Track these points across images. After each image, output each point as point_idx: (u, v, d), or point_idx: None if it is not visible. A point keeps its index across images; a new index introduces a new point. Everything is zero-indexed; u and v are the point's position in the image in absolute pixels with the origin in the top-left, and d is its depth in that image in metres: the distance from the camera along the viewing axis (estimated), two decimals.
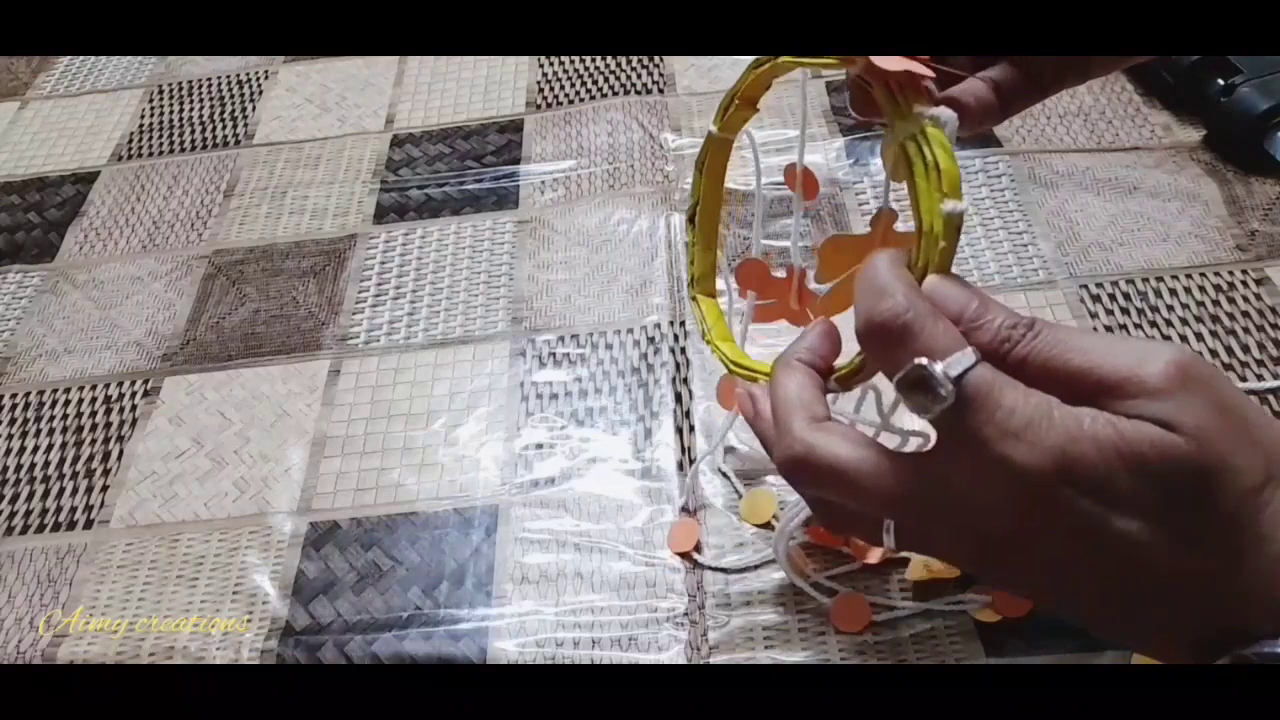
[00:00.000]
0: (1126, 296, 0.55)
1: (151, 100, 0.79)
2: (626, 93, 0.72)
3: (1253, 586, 0.27)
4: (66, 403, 0.59)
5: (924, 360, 0.27)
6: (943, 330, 0.28)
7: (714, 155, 0.43)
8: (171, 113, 0.77)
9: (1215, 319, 0.54)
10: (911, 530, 0.30)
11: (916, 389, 0.27)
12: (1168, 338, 0.53)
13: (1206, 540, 0.26)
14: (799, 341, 0.34)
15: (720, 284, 0.45)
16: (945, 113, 0.30)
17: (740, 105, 0.40)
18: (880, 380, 0.32)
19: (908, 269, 0.30)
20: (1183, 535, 0.26)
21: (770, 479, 0.49)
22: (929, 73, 0.31)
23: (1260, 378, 0.51)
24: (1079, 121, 0.65)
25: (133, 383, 0.59)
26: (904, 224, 0.39)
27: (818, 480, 0.31)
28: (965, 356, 0.27)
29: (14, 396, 0.59)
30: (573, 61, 0.75)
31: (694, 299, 0.44)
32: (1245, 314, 0.54)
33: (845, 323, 0.33)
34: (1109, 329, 0.54)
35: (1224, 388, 0.27)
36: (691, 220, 0.44)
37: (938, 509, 0.29)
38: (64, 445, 0.56)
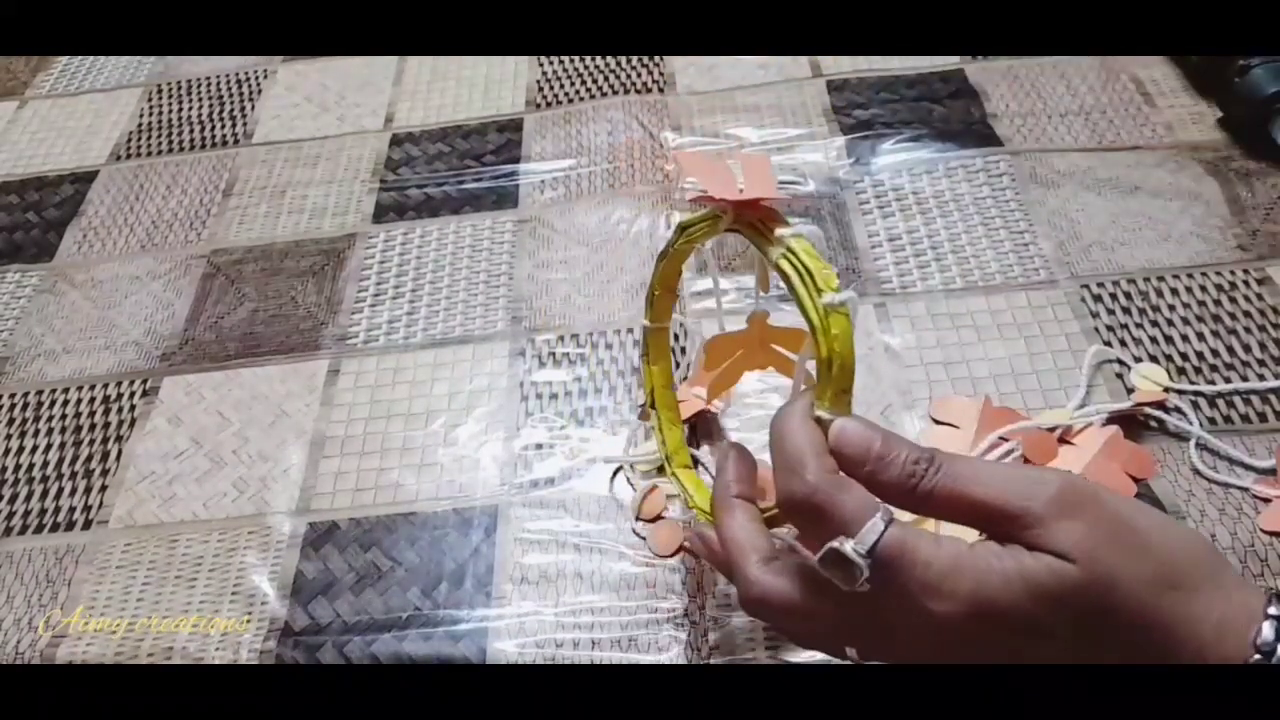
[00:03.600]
0: (1128, 296, 0.55)
1: (150, 100, 0.79)
2: (626, 92, 0.72)
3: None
4: (65, 403, 0.58)
5: (836, 543, 0.30)
6: (850, 501, 0.30)
7: (655, 343, 0.47)
8: (170, 112, 0.77)
9: (1216, 319, 0.53)
10: (869, 649, 0.33)
11: (836, 566, 0.30)
12: (1169, 338, 0.53)
13: (1116, 647, 0.29)
14: (722, 475, 0.37)
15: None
16: (806, 228, 0.34)
17: (662, 294, 0.45)
18: None
19: (813, 413, 0.32)
20: (1093, 646, 0.29)
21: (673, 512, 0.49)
22: (779, 196, 0.36)
23: (1261, 377, 0.51)
24: (1080, 120, 0.65)
25: (131, 383, 0.59)
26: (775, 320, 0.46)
27: (778, 619, 0.34)
28: (874, 527, 0.30)
29: (12, 396, 0.59)
30: (573, 61, 0.75)
31: (674, 474, 0.47)
32: (1247, 313, 0.54)
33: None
34: (1110, 329, 0.54)
35: (1110, 506, 0.30)
36: (652, 406, 0.48)
37: (885, 638, 0.32)
38: (63, 445, 0.56)
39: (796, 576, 0.33)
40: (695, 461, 0.50)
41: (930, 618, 0.29)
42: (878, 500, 0.31)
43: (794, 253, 0.33)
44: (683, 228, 0.40)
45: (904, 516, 0.32)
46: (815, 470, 0.31)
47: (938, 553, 0.30)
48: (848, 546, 0.29)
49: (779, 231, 0.34)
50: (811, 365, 0.34)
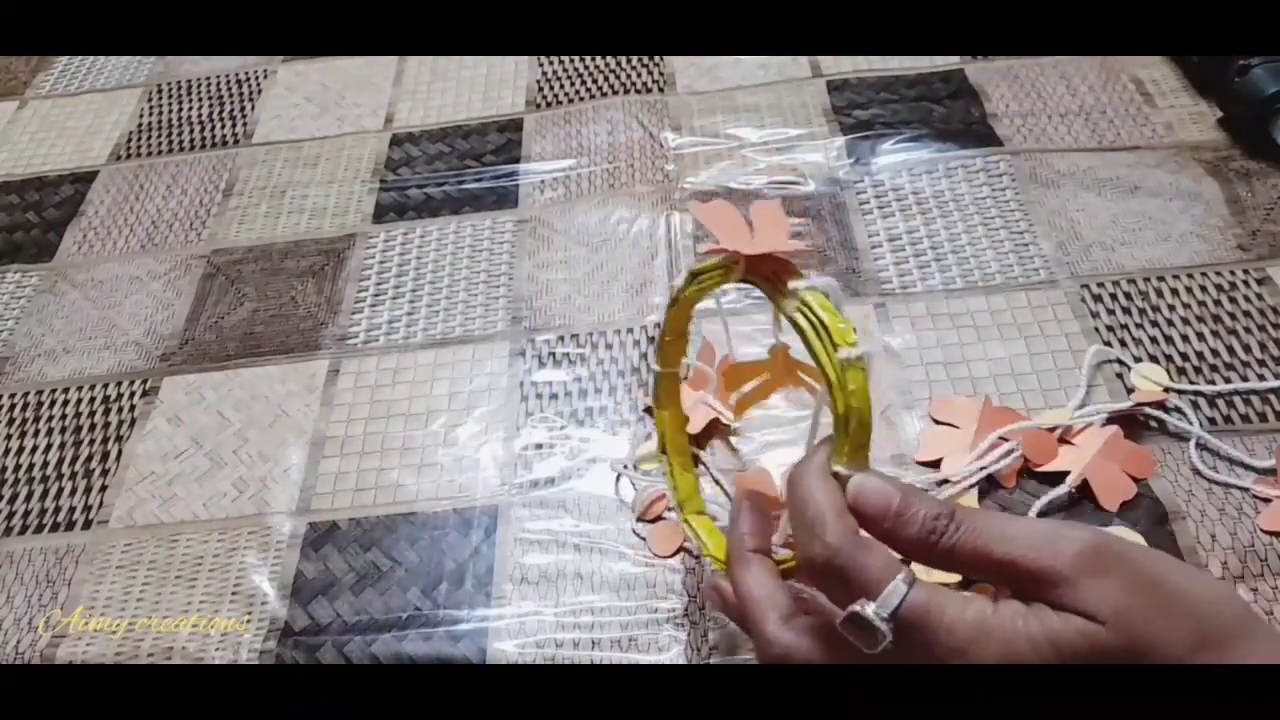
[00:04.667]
0: (1128, 296, 0.55)
1: (150, 100, 0.79)
2: (626, 92, 0.72)
3: None
4: (65, 403, 0.58)
5: (858, 606, 0.29)
6: (873, 563, 0.30)
7: (665, 389, 0.45)
8: (170, 112, 0.77)
9: (1216, 319, 0.53)
10: None
11: (858, 628, 0.30)
12: (1169, 338, 0.53)
13: None
14: (736, 528, 0.36)
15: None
16: (821, 280, 0.33)
17: (673, 340, 0.43)
18: None
19: (832, 470, 0.32)
20: None
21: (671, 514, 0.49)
22: (797, 247, 0.34)
23: (1261, 377, 0.51)
24: (1080, 121, 0.65)
25: (131, 383, 0.59)
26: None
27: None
28: (896, 590, 0.29)
29: (13, 396, 0.59)
30: (573, 61, 0.75)
31: (686, 521, 0.46)
32: (1246, 313, 0.53)
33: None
34: (1110, 329, 0.54)
35: (1138, 564, 0.29)
36: (663, 451, 0.46)
37: None
38: (63, 445, 0.56)
39: (818, 636, 0.32)
40: (697, 461, 0.50)
41: None
42: (899, 561, 0.30)
43: (809, 306, 0.32)
44: (694, 274, 0.39)
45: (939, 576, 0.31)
46: (835, 531, 0.30)
47: (962, 616, 0.29)
48: (869, 610, 0.29)
49: (793, 284, 0.33)
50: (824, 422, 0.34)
